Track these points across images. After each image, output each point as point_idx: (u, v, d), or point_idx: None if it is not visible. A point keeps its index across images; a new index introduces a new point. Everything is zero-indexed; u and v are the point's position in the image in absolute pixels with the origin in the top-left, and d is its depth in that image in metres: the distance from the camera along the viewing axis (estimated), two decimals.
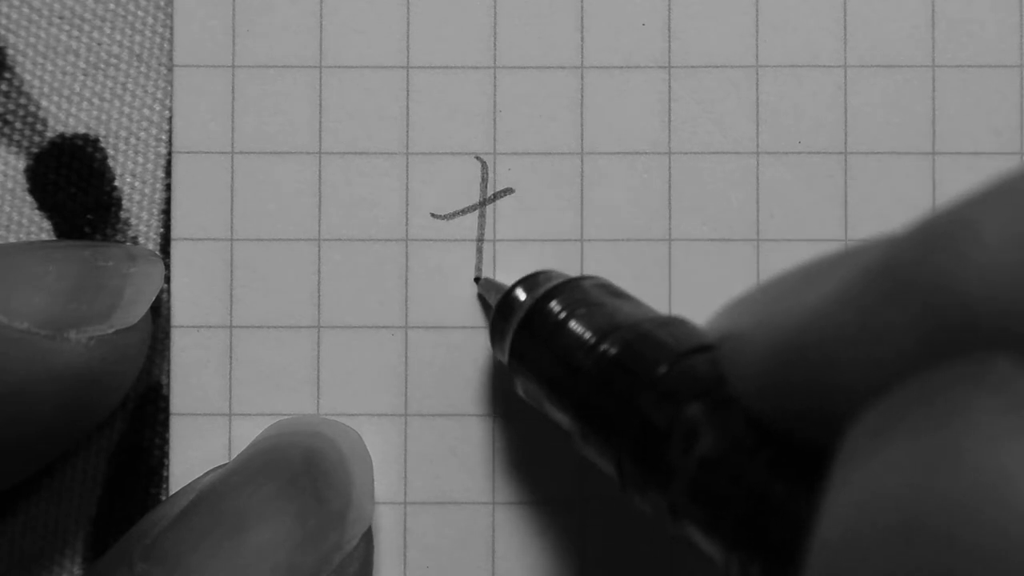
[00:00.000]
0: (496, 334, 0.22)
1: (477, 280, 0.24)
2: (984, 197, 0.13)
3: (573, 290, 0.21)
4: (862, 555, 0.11)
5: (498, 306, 0.22)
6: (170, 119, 0.24)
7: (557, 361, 0.20)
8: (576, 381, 0.19)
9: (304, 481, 0.21)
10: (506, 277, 0.24)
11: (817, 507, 0.13)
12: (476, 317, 0.24)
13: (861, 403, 0.13)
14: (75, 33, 0.24)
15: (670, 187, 0.24)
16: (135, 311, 0.22)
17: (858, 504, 0.12)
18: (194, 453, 0.23)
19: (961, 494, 0.11)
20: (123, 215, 0.24)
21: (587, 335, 0.19)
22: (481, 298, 0.24)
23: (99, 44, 0.24)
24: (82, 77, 0.24)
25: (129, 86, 0.24)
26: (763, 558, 0.15)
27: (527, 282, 0.22)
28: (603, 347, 0.19)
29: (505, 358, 0.21)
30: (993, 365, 0.12)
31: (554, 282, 0.21)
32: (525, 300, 0.21)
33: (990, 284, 0.12)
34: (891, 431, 0.12)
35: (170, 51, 0.24)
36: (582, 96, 0.24)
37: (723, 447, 0.16)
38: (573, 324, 0.20)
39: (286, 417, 0.23)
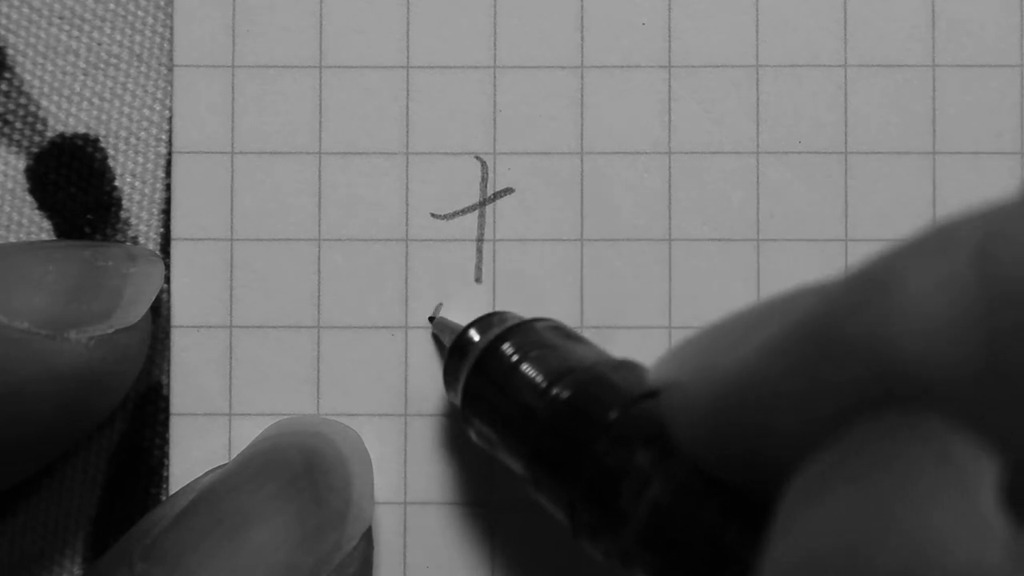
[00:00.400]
0: (450, 376, 0.22)
1: (431, 320, 0.23)
2: (911, 247, 0.12)
3: (527, 332, 0.21)
4: None
5: (451, 347, 0.22)
6: (170, 119, 0.24)
7: (510, 404, 0.20)
8: (529, 425, 0.19)
9: (304, 481, 0.21)
10: (507, 277, 0.24)
11: (759, 560, 0.13)
12: (476, 316, 0.24)
13: (799, 453, 0.13)
14: (75, 33, 0.24)
15: (670, 187, 0.24)
16: (135, 311, 0.22)
17: (795, 565, 0.12)
18: (194, 453, 0.23)
19: (895, 560, 0.11)
20: (123, 215, 0.24)
21: (539, 378, 0.19)
22: (436, 338, 0.23)
23: (99, 44, 0.24)
24: (82, 77, 0.24)
25: (129, 86, 0.24)
26: None
27: (481, 323, 0.22)
28: (555, 390, 0.19)
29: (458, 400, 0.21)
30: (924, 418, 0.12)
31: (508, 324, 0.21)
32: (479, 341, 0.21)
33: (916, 335, 0.12)
34: (825, 488, 0.12)
35: (170, 51, 0.24)
36: (582, 96, 0.24)
37: (674, 494, 0.16)
38: (526, 367, 0.20)
39: (286, 417, 0.23)
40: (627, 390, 0.18)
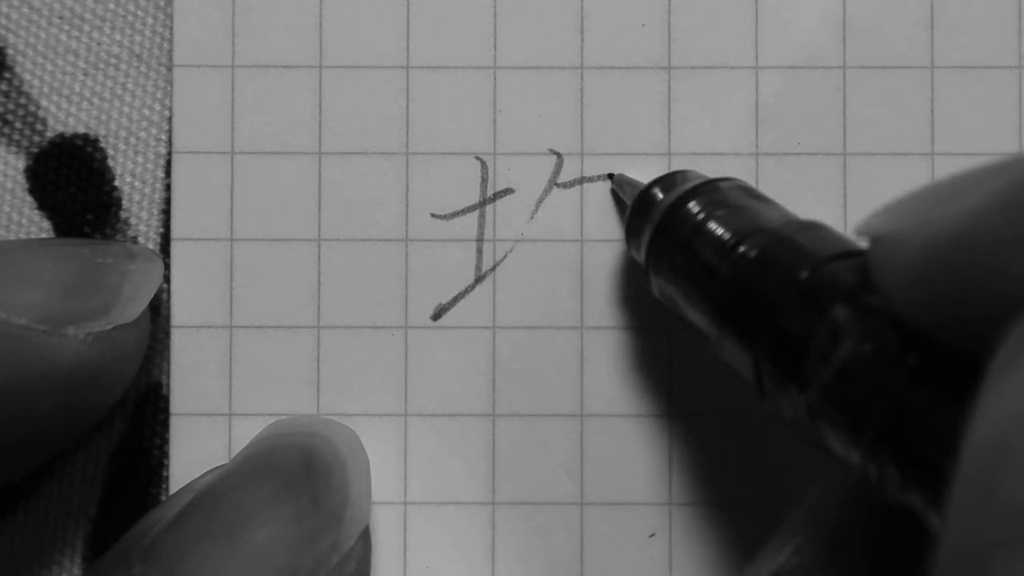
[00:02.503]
0: (632, 233, 0.22)
1: (611, 176, 0.23)
2: None
3: (712, 191, 0.20)
4: (1013, 472, 0.11)
5: (634, 204, 0.22)
6: (170, 119, 0.24)
7: (695, 263, 0.20)
8: (714, 283, 0.19)
9: (301, 481, 0.21)
10: (508, 278, 0.24)
11: (966, 415, 0.12)
12: (476, 316, 0.24)
13: (1018, 311, 0.12)
14: (75, 33, 0.24)
15: None
16: (133, 308, 0.22)
17: (1014, 412, 0.11)
18: (194, 453, 0.23)
19: None
20: (123, 215, 0.24)
21: (726, 237, 0.19)
22: (614, 194, 0.23)
23: (99, 44, 0.24)
24: (82, 77, 0.24)
25: (129, 86, 0.24)
26: (904, 465, 0.14)
27: (664, 181, 0.21)
28: (742, 249, 0.19)
29: (641, 258, 0.21)
30: None
31: (692, 183, 0.21)
32: (663, 200, 0.21)
33: None
34: None
35: (170, 51, 0.24)
36: (582, 96, 0.24)
37: (868, 352, 0.15)
38: (712, 226, 0.20)
39: (283, 417, 0.23)
40: (815, 251, 0.18)
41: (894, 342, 0.15)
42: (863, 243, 0.17)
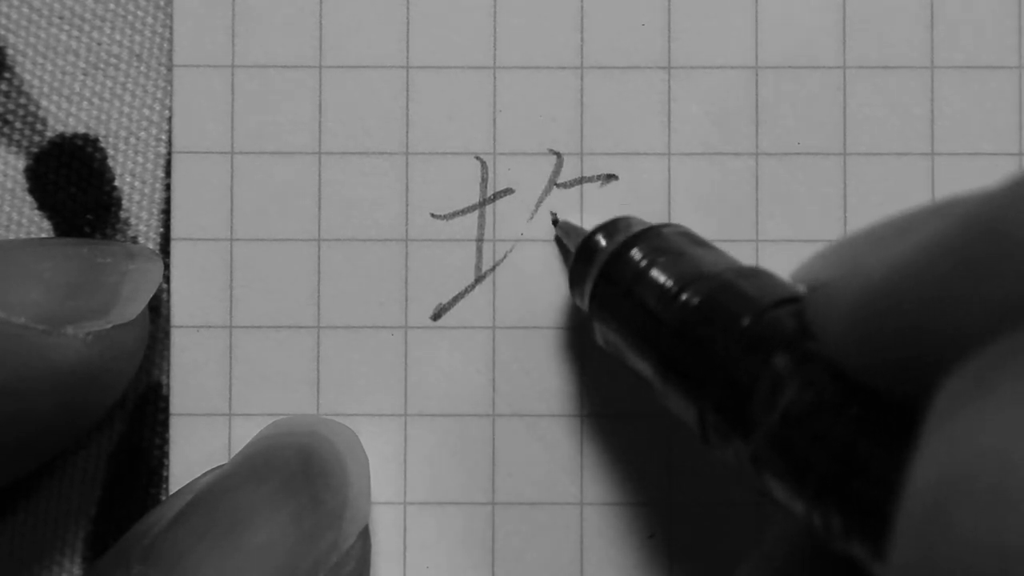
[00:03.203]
0: (575, 280, 0.22)
1: (555, 223, 0.23)
2: None
3: (654, 238, 0.20)
4: (957, 513, 0.11)
5: (578, 251, 0.22)
6: (170, 119, 0.24)
7: (638, 310, 0.20)
8: (658, 331, 0.19)
9: (300, 481, 0.21)
10: (508, 278, 0.24)
11: (906, 463, 0.12)
12: (476, 316, 0.24)
13: (955, 358, 0.12)
14: (75, 33, 0.24)
15: (670, 188, 0.24)
16: (133, 307, 0.22)
17: (954, 460, 0.11)
18: (194, 453, 0.23)
19: None
20: (123, 215, 0.24)
21: (669, 284, 0.19)
22: (559, 240, 0.23)
23: (99, 44, 0.24)
24: (82, 77, 0.24)
25: (129, 86, 0.24)
26: (847, 514, 0.14)
27: (607, 228, 0.22)
28: (685, 297, 0.19)
29: (585, 304, 0.21)
30: None
31: (635, 229, 0.21)
32: (606, 246, 0.21)
33: None
34: (989, 387, 0.11)
35: (170, 51, 0.24)
36: (582, 96, 0.24)
37: (809, 400, 0.15)
38: (654, 273, 0.20)
39: (282, 417, 0.23)
40: (758, 298, 0.17)
41: (834, 390, 0.15)
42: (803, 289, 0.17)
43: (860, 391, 0.15)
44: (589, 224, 0.22)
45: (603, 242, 0.21)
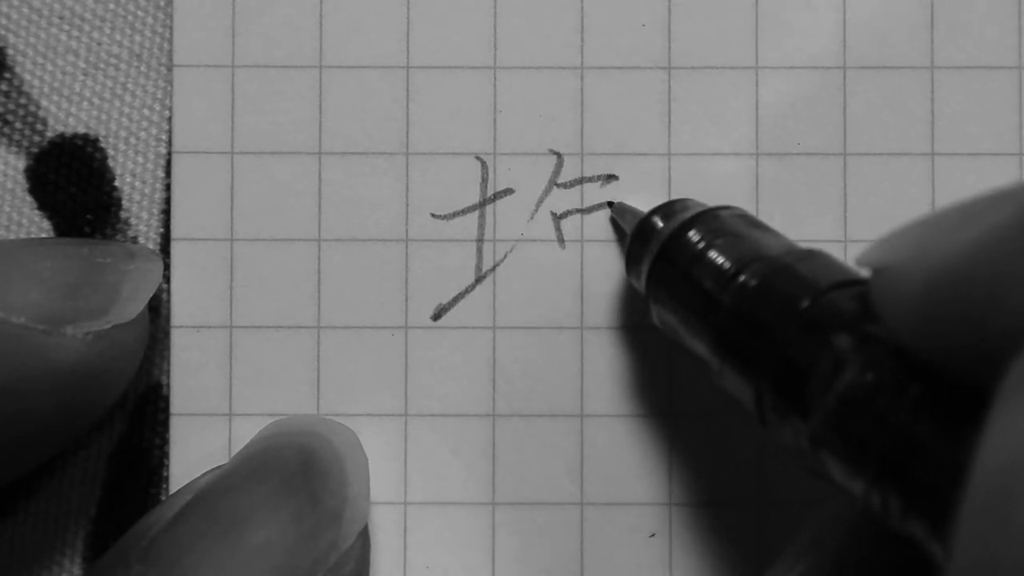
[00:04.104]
0: (632, 261, 0.22)
1: (611, 205, 0.23)
2: None
3: (712, 220, 0.21)
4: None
5: (634, 232, 0.22)
6: (170, 119, 0.24)
7: (695, 292, 0.20)
8: (715, 313, 0.19)
9: (299, 481, 0.21)
10: (508, 278, 0.24)
11: (970, 446, 0.12)
12: (476, 316, 0.24)
13: (1020, 342, 0.12)
14: (75, 33, 0.24)
15: (670, 188, 0.24)
16: (132, 307, 0.22)
17: (1020, 445, 0.11)
18: (194, 453, 0.23)
19: None
20: (123, 215, 0.24)
21: (727, 266, 0.19)
22: (614, 222, 0.23)
23: (99, 44, 0.24)
24: (82, 77, 0.24)
25: (129, 86, 0.24)
26: (907, 494, 0.14)
27: (664, 209, 0.22)
28: (742, 279, 0.19)
29: (642, 286, 0.21)
30: None
31: (692, 211, 0.21)
32: (663, 228, 0.21)
33: None
34: None
35: (170, 51, 0.24)
36: (582, 96, 0.24)
37: (870, 381, 0.15)
38: (712, 255, 0.20)
39: (282, 417, 0.23)
40: (815, 281, 0.18)
41: (896, 371, 0.15)
42: (864, 272, 0.17)
43: (922, 373, 0.15)
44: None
45: (660, 224, 0.21)
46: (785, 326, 0.17)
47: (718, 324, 0.19)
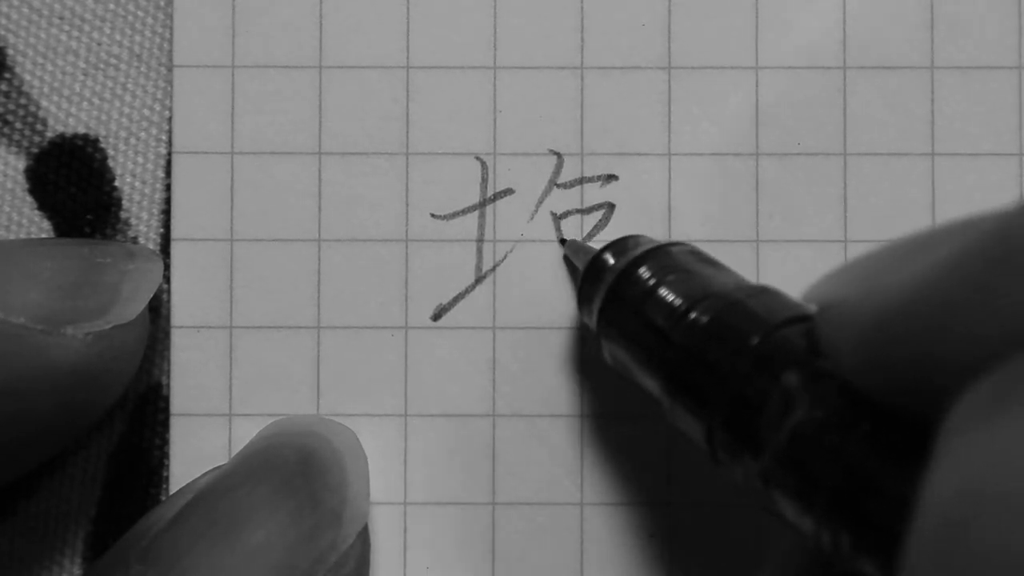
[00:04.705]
0: (584, 298, 0.22)
1: (563, 242, 0.23)
2: None
3: (663, 256, 0.21)
4: (975, 524, 0.11)
5: (586, 270, 0.22)
6: (170, 119, 0.24)
7: (646, 328, 0.20)
8: (666, 350, 0.19)
9: (299, 481, 0.21)
10: (508, 278, 0.24)
11: (918, 480, 0.12)
12: (476, 316, 0.24)
13: (968, 376, 0.13)
14: (75, 33, 0.24)
15: (670, 188, 0.24)
16: (132, 308, 0.22)
17: (971, 473, 0.11)
18: (194, 453, 0.23)
19: None
20: (123, 215, 0.24)
21: (677, 302, 0.19)
22: (567, 259, 0.23)
23: (99, 44, 0.24)
24: (82, 77, 0.24)
25: (129, 86, 0.24)
26: (857, 531, 0.14)
27: (615, 246, 0.22)
28: (693, 315, 0.19)
29: (593, 323, 0.21)
30: None
31: (643, 247, 0.21)
32: (614, 265, 0.21)
33: None
34: (1003, 405, 0.12)
35: (170, 51, 0.24)
36: (582, 96, 0.24)
37: (819, 418, 0.15)
38: (663, 292, 0.20)
39: (282, 417, 0.23)
40: (766, 316, 0.18)
41: (845, 407, 0.15)
42: (813, 308, 0.17)
43: (871, 409, 0.15)
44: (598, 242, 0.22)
45: (611, 260, 0.21)
46: (736, 363, 0.17)
47: (669, 361, 0.19)
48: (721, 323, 0.18)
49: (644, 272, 0.20)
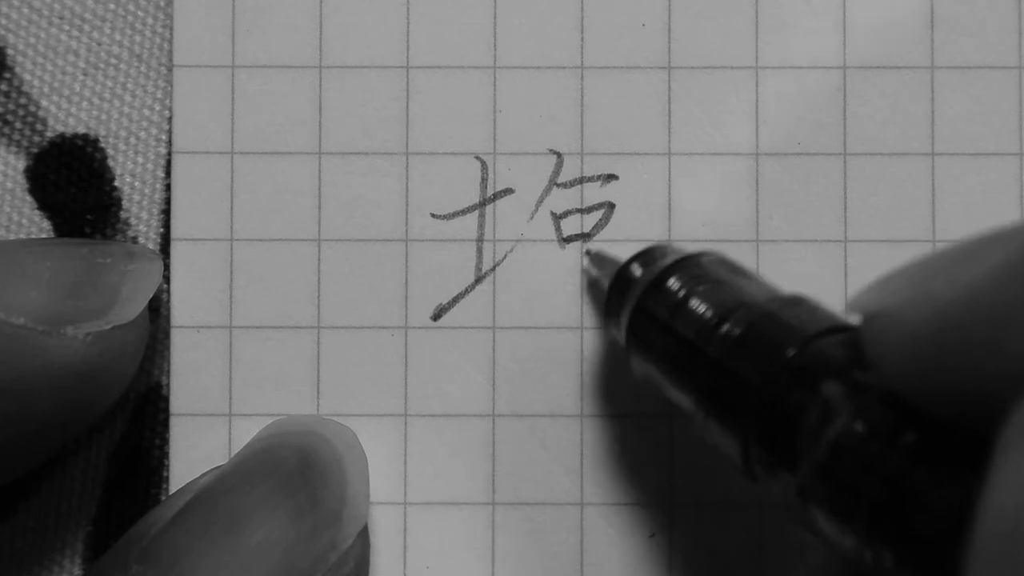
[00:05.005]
0: (611, 312, 0.21)
1: (587, 253, 0.23)
2: None
3: (692, 266, 0.20)
4: None
5: (612, 282, 0.21)
6: (170, 119, 0.24)
7: (677, 343, 0.19)
8: (698, 363, 0.18)
9: (298, 481, 0.21)
10: (508, 278, 0.24)
11: (972, 493, 0.12)
12: (476, 316, 0.24)
13: (1022, 386, 0.12)
14: (75, 33, 0.24)
15: (669, 188, 0.24)
16: (132, 308, 0.22)
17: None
18: (194, 453, 0.23)
19: None
20: (123, 215, 0.24)
21: (709, 314, 0.19)
22: (586, 273, 0.23)
23: (99, 44, 0.24)
24: (82, 77, 0.24)
25: (129, 86, 0.24)
26: (902, 546, 0.14)
27: (642, 257, 0.21)
28: (726, 327, 0.18)
29: (622, 337, 0.21)
30: None
31: (671, 258, 0.20)
32: (641, 277, 0.21)
33: None
34: None
35: (170, 51, 0.24)
36: (582, 96, 0.24)
37: (861, 431, 0.15)
38: (694, 303, 0.19)
39: (281, 417, 0.23)
40: (801, 328, 0.17)
41: (889, 418, 0.15)
42: (851, 318, 0.17)
43: (916, 420, 0.15)
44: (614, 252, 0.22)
45: (638, 272, 0.21)
46: (771, 376, 0.17)
47: (701, 376, 0.18)
48: (755, 335, 0.18)
49: (673, 283, 0.20)
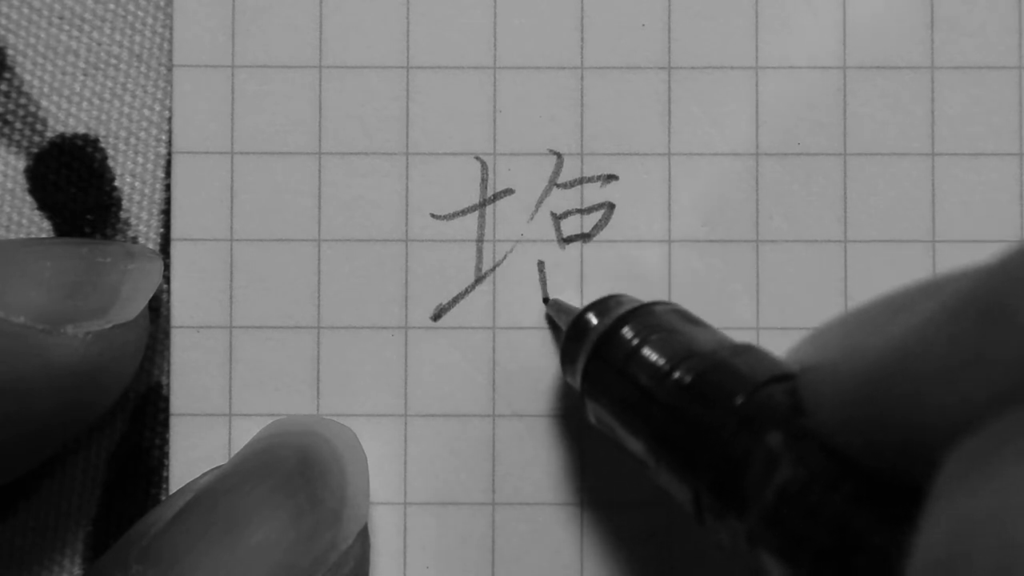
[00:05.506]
0: (567, 358, 0.22)
1: (546, 301, 0.24)
2: None
3: (646, 316, 0.20)
4: (972, 567, 0.11)
5: (568, 330, 0.22)
6: (170, 119, 0.24)
7: (631, 388, 0.20)
8: (651, 409, 0.19)
9: (299, 481, 0.21)
10: (508, 278, 0.24)
11: (906, 540, 0.12)
12: (476, 316, 0.24)
13: (951, 436, 0.13)
14: (75, 33, 0.24)
15: (670, 188, 0.24)
16: (132, 307, 0.22)
17: (958, 535, 0.11)
18: (194, 453, 0.23)
19: None
20: (123, 215, 0.24)
21: (661, 362, 0.19)
22: (549, 319, 0.23)
23: (99, 44, 0.24)
24: (82, 77, 0.24)
25: (129, 86, 0.24)
26: None
27: (598, 306, 0.22)
28: (677, 375, 0.19)
29: (576, 383, 0.21)
30: None
31: (626, 307, 0.21)
32: (597, 325, 0.21)
33: None
34: (991, 463, 0.12)
35: (170, 51, 0.24)
36: (582, 96, 0.24)
37: (804, 478, 0.15)
38: (646, 351, 0.20)
39: (281, 417, 0.23)
40: (750, 375, 0.18)
41: (828, 466, 0.15)
42: (797, 367, 0.17)
43: (854, 468, 0.15)
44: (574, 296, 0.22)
45: (594, 320, 0.21)
46: (720, 422, 0.17)
47: (653, 422, 0.19)
48: (705, 382, 0.18)
49: (627, 332, 0.20)
